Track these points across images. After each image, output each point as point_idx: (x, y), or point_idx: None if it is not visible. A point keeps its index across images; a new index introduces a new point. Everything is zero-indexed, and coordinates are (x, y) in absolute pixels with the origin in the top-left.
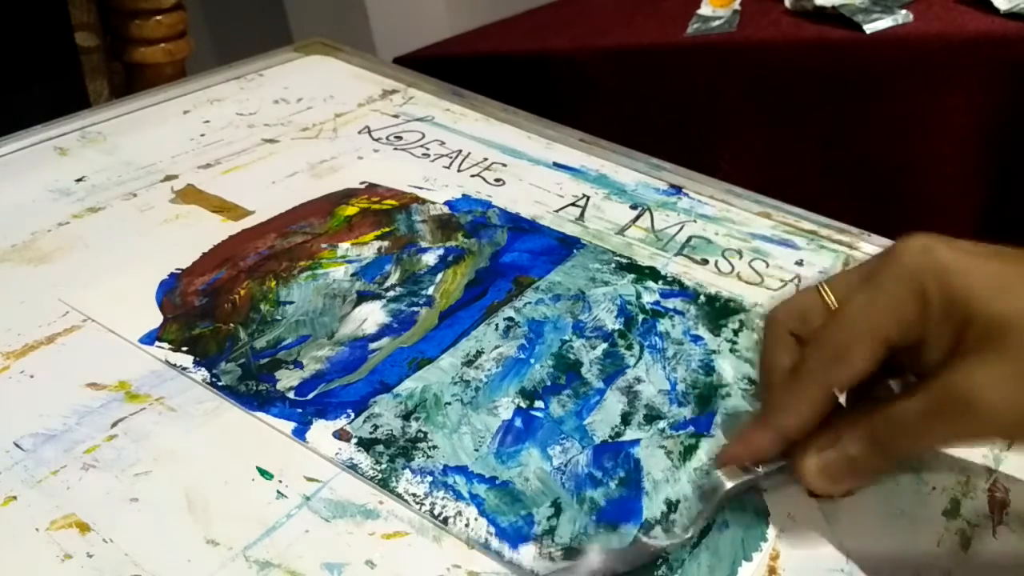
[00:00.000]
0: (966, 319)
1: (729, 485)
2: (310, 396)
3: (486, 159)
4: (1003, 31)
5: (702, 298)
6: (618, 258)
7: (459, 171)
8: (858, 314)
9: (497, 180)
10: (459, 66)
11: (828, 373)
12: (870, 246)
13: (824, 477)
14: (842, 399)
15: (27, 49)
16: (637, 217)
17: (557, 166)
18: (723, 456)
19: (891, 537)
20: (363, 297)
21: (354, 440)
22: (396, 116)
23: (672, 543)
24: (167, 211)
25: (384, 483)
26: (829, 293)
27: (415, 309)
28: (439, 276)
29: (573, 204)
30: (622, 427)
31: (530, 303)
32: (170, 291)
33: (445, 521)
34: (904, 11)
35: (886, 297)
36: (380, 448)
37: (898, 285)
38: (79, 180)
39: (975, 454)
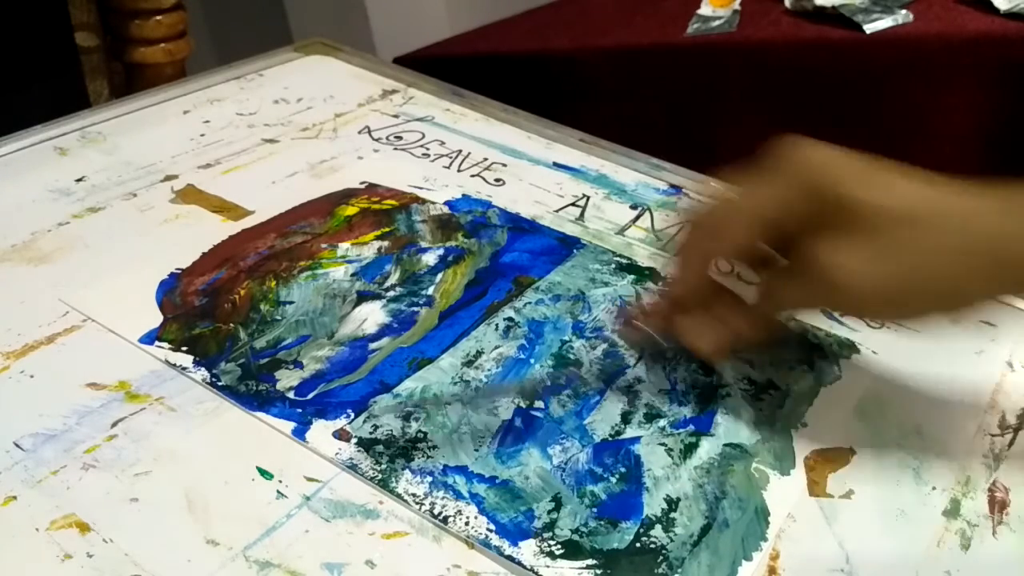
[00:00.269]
0: (835, 206)
1: (637, 352)
2: (310, 396)
3: (486, 159)
4: (1003, 31)
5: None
6: (618, 258)
7: (459, 171)
8: (742, 200)
9: (497, 180)
10: (459, 66)
11: (706, 243)
12: None
13: (701, 337)
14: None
15: (27, 49)
16: (637, 217)
17: (557, 166)
18: (619, 312)
19: (891, 537)
20: (363, 297)
21: (354, 440)
22: (396, 116)
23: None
24: (167, 211)
25: (384, 483)
26: (730, 187)
27: (415, 309)
28: (439, 276)
29: (573, 204)
30: (622, 426)
31: (530, 303)
32: (170, 291)
33: (445, 521)
34: (904, 11)
35: (768, 187)
36: (380, 448)
37: (781, 177)
38: (79, 180)
39: (975, 454)
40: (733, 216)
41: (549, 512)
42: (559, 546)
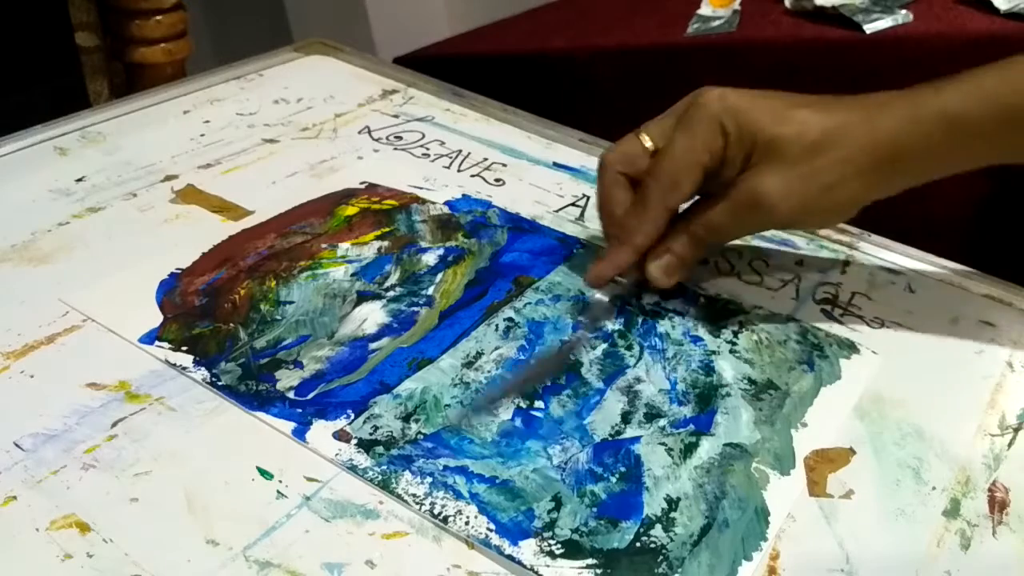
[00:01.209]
0: (753, 142)
1: (606, 298)
2: (310, 396)
3: (486, 159)
4: (1003, 31)
5: (701, 300)
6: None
7: (459, 171)
8: (682, 151)
9: (497, 180)
10: (459, 66)
11: (666, 199)
12: (870, 246)
13: (662, 272)
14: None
15: (27, 49)
16: None
17: (557, 166)
18: (593, 276)
19: (891, 537)
20: (363, 297)
21: (354, 440)
22: (396, 116)
23: (579, 340)
24: (167, 211)
25: (384, 483)
26: (647, 138)
27: (415, 309)
28: (439, 276)
29: (573, 204)
30: (622, 426)
31: (530, 303)
32: (170, 291)
33: (445, 520)
34: (904, 11)
35: (699, 135)
36: (380, 448)
37: (706, 125)
38: (79, 180)
39: (975, 454)
40: (680, 170)
41: (549, 512)
42: (559, 546)
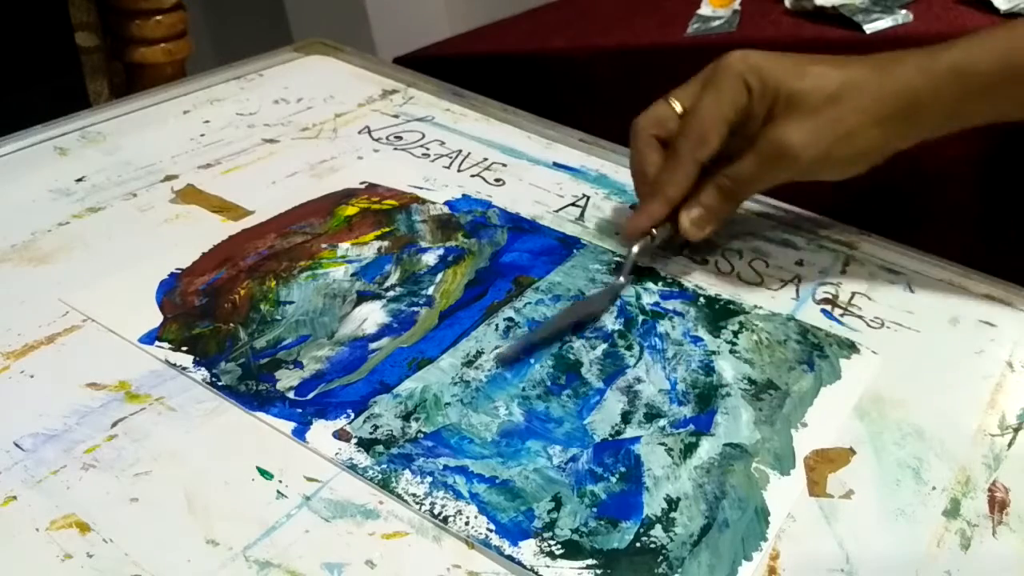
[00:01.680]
0: (775, 96)
1: (637, 248)
2: (310, 396)
3: (486, 159)
4: None
5: (701, 300)
6: (618, 258)
7: (459, 171)
8: (709, 107)
9: (497, 180)
10: (459, 66)
11: (695, 152)
12: (870, 246)
13: (693, 225)
14: None
15: (27, 49)
16: None
17: (557, 166)
18: (631, 231)
19: (891, 537)
20: (363, 297)
21: (354, 440)
22: (396, 116)
23: (617, 284)
24: (167, 211)
25: (384, 483)
26: (676, 102)
27: (415, 309)
28: (439, 276)
29: (573, 204)
30: (622, 426)
31: (530, 303)
32: (170, 291)
33: (445, 520)
34: (904, 11)
35: (725, 92)
36: (380, 448)
37: (731, 83)
38: (79, 180)
39: (975, 454)
40: (708, 125)
41: (549, 512)
42: (559, 546)
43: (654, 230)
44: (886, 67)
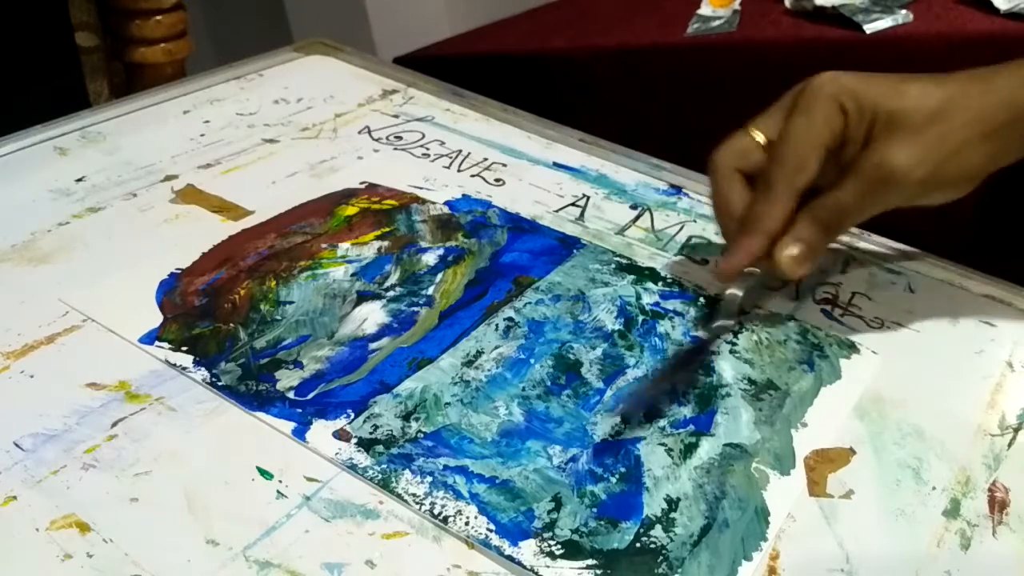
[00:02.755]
0: (874, 117)
1: (741, 292)
2: (310, 396)
3: (486, 159)
4: (1003, 31)
5: (701, 300)
6: (618, 258)
7: (459, 171)
8: (803, 132)
9: (497, 180)
10: (459, 66)
11: (792, 179)
12: (869, 245)
13: (792, 261)
14: None
15: (27, 49)
16: (637, 217)
17: (557, 166)
18: (726, 270)
19: (891, 537)
20: (363, 297)
21: (354, 440)
22: (396, 116)
23: (724, 324)
24: (167, 211)
25: (384, 483)
26: (758, 132)
27: (415, 309)
28: (439, 276)
29: (573, 204)
30: (622, 426)
31: (530, 303)
32: (170, 291)
33: (445, 521)
34: (904, 11)
35: (819, 116)
36: (380, 448)
37: (824, 106)
38: (79, 180)
39: (975, 454)
40: (805, 150)
41: (549, 512)
42: (559, 546)
43: (753, 269)
44: (986, 80)
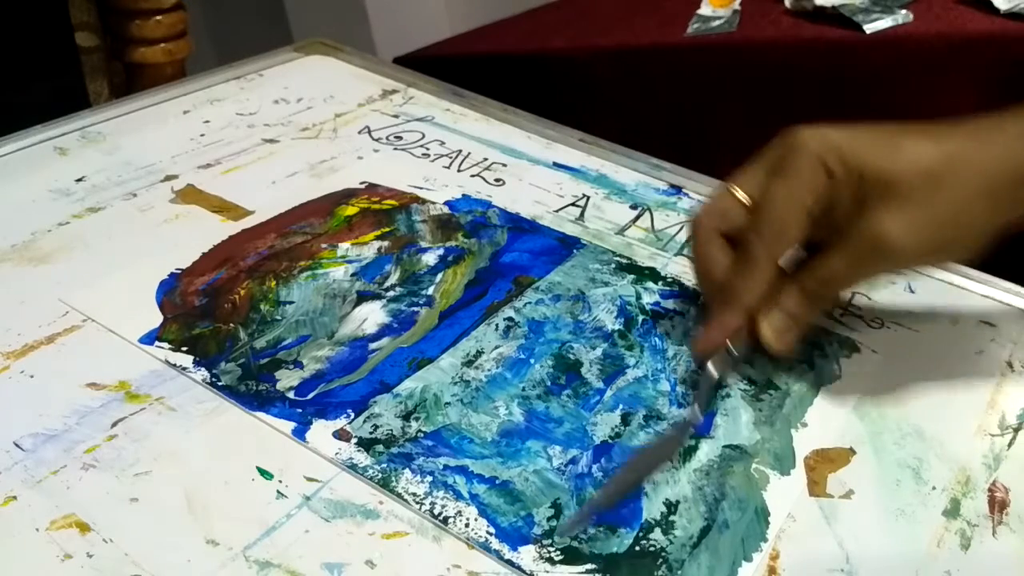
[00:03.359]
0: (863, 180)
1: (717, 374)
2: (310, 396)
3: (486, 159)
4: (1003, 31)
5: (702, 300)
6: (618, 258)
7: (459, 171)
8: (783, 197)
9: (497, 180)
10: (459, 66)
11: (772, 249)
12: None
13: (776, 334)
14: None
15: (27, 49)
16: (637, 217)
17: (557, 166)
18: (703, 346)
19: (891, 537)
20: (363, 297)
21: (354, 440)
22: (396, 116)
23: (690, 422)
24: (167, 211)
25: (384, 483)
26: (739, 191)
27: (415, 309)
28: (439, 276)
29: (573, 204)
30: (622, 427)
31: (530, 303)
32: (170, 291)
33: (445, 521)
34: (904, 11)
35: (801, 179)
36: (380, 448)
37: (807, 166)
38: (79, 180)
39: (975, 454)
40: (784, 217)
41: (548, 519)
42: (558, 552)
43: (730, 344)
44: (984, 137)
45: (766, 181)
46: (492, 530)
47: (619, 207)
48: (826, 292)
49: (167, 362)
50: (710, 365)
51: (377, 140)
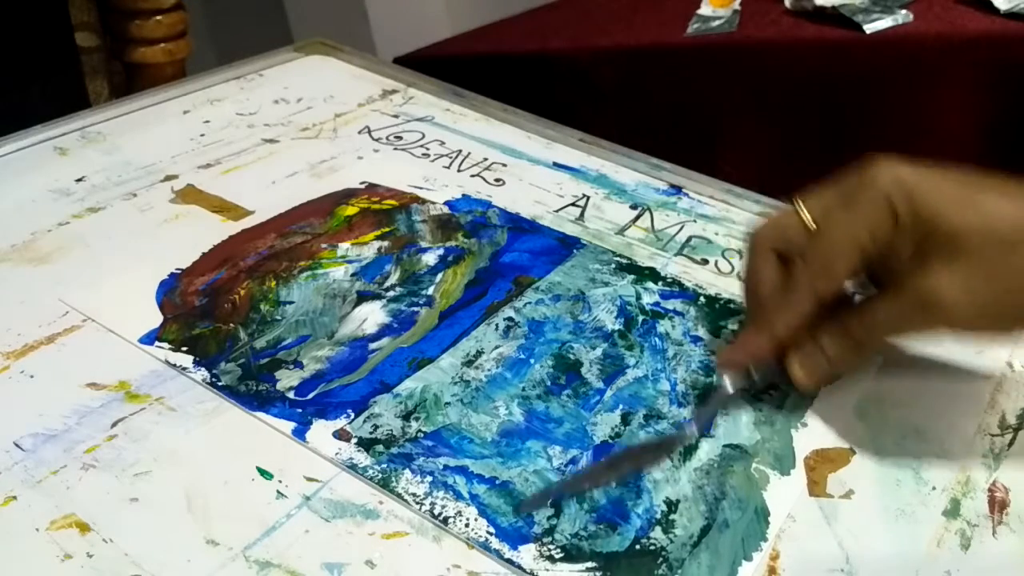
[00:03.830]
0: (929, 231)
1: (731, 390)
2: (310, 396)
3: (486, 159)
4: (1003, 31)
5: (702, 299)
6: (618, 258)
7: (459, 171)
8: (840, 233)
9: (497, 180)
10: (459, 66)
11: (816, 284)
12: None
13: (805, 372)
14: None
15: (27, 49)
16: (637, 217)
17: (557, 166)
18: (724, 360)
19: (891, 537)
20: (363, 297)
21: (354, 440)
22: (396, 116)
23: (683, 436)
24: (167, 211)
25: (384, 483)
26: (806, 213)
27: (415, 309)
28: (439, 276)
29: (573, 204)
30: (622, 427)
31: (530, 303)
32: (170, 291)
33: (445, 521)
34: (904, 11)
35: (862, 216)
36: (380, 448)
37: (872, 205)
38: (79, 180)
39: (975, 454)
40: (836, 252)
41: (548, 518)
42: (559, 550)
43: (752, 369)
44: None
45: (832, 208)
46: (492, 530)
47: (619, 207)
48: (868, 340)
49: (167, 362)
50: (727, 379)
51: (377, 140)
